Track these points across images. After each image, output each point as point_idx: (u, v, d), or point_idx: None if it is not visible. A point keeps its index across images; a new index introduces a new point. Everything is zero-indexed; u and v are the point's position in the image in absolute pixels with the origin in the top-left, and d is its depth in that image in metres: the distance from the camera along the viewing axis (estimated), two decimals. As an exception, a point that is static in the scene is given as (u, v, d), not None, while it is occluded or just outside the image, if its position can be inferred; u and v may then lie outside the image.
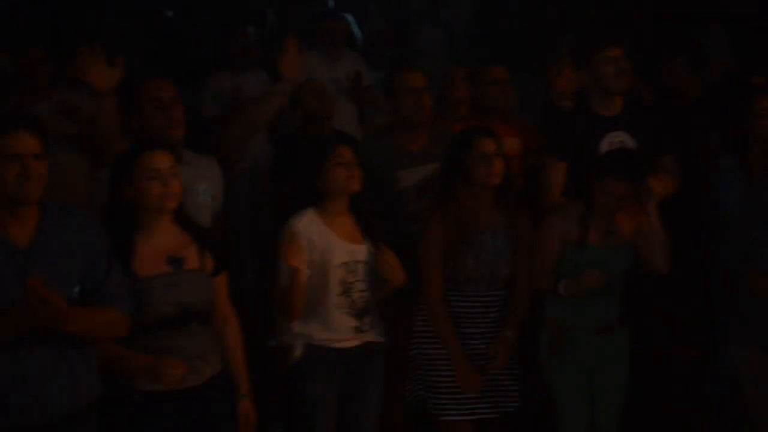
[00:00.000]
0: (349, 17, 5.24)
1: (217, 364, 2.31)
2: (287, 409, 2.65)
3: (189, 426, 2.24)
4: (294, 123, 3.75)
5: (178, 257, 2.21)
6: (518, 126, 3.50)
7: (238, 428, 2.37)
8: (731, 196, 2.97)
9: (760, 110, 3.02)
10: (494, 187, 2.66)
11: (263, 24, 5.58)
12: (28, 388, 1.91)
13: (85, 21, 4.98)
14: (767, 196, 2.80)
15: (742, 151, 3.03)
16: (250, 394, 2.40)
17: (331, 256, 2.53)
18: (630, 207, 2.64)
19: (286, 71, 2.88)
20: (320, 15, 4.83)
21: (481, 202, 2.70)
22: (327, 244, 2.54)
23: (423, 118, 3.16)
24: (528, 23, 5.31)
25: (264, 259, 3.29)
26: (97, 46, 2.67)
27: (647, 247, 2.68)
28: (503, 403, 2.75)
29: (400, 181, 3.08)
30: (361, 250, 2.58)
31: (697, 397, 3.27)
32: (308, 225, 2.53)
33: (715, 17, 4.98)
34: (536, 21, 5.28)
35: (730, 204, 2.96)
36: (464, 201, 2.68)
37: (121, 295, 2.07)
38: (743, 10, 4.92)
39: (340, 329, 2.56)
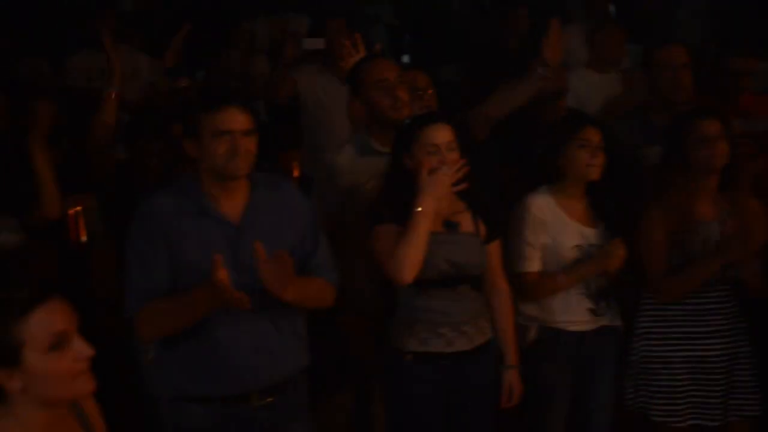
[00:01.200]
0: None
1: (486, 332, 2.35)
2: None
3: (456, 389, 2.30)
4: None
5: (454, 221, 2.29)
6: None
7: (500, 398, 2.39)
8: None
9: None
10: (716, 172, 2.46)
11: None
12: (243, 357, 1.97)
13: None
14: None
15: None
16: (518, 365, 2.39)
17: (564, 238, 2.48)
18: None
19: (548, 55, 2.85)
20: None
21: (703, 189, 2.49)
22: (560, 226, 2.49)
23: (679, 97, 2.97)
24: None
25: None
26: (357, 39, 2.93)
27: None
28: (739, 410, 2.52)
29: (648, 158, 2.93)
30: (593, 234, 2.49)
31: None
32: (543, 205, 2.50)
33: None
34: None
35: None
36: (685, 187, 2.49)
37: (329, 267, 2.12)
38: None
39: (576, 312, 2.50)
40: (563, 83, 3.36)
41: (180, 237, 1.95)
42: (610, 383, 2.57)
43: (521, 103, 2.88)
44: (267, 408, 2.02)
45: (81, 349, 1.28)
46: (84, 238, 3.06)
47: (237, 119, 1.92)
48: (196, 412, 2.01)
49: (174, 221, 1.96)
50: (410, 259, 2.13)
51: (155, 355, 2.13)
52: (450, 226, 2.28)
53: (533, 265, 2.48)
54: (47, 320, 1.24)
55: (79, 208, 3.09)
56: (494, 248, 2.37)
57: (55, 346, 1.25)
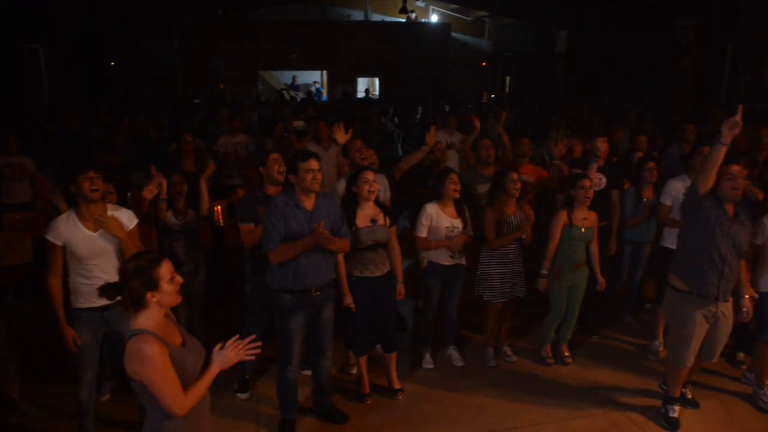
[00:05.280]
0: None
1: (386, 268, 4.66)
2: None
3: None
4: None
5: (375, 219, 4.52)
6: None
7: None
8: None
9: None
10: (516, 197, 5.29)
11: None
12: (309, 273, 4.00)
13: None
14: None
15: None
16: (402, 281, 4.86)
17: (441, 224, 5.14)
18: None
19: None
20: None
21: (509, 203, 5.34)
22: (439, 218, 5.14)
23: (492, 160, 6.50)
24: None
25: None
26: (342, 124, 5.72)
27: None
28: (516, 292, 5.41)
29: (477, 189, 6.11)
30: (457, 222, 5.17)
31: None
32: (433, 209, 5.19)
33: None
34: None
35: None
36: (503, 202, 5.27)
37: (347, 234, 4.15)
38: None
39: (445, 257, 5.24)
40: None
41: (287, 216, 3.94)
42: (459, 287, 5.41)
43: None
44: (318, 298, 4.14)
45: (178, 279, 2.57)
46: (221, 223, 5.57)
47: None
48: (285, 298, 4.05)
49: (284, 209, 3.95)
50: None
51: (272, 268, 4.06)
52: (373, 222, 4.50)
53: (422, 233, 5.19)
54: (167, 267, 2.54)
55: (218, 207, 5.58)
56: (393, 230, 4.69)
57: (170, 279, 2.53)
